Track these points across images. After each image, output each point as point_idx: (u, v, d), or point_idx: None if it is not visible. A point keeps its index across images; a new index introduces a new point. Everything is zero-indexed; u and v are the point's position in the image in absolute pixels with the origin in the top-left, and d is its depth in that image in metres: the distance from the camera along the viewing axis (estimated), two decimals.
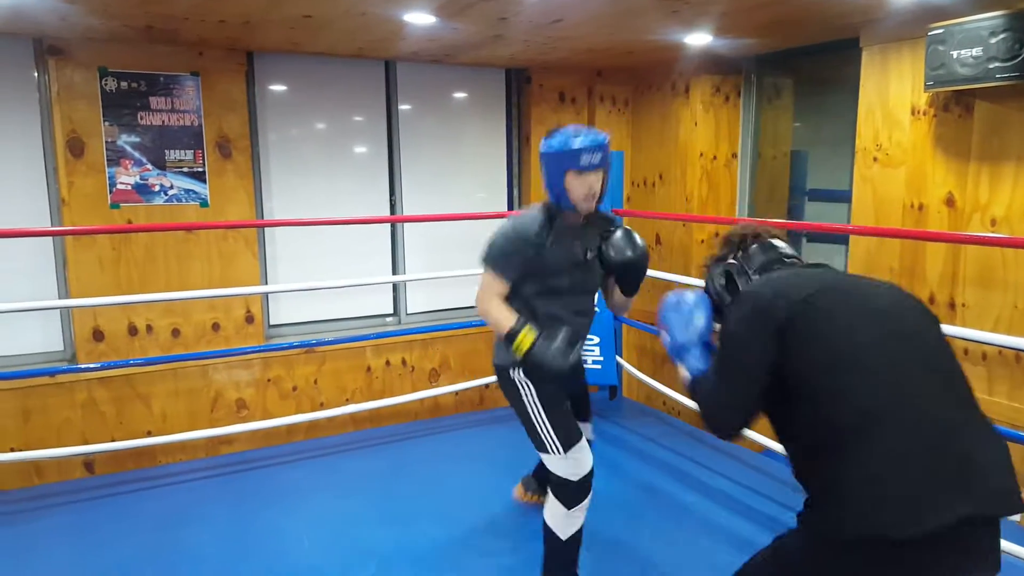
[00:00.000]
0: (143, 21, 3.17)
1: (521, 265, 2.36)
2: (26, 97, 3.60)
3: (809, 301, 1.47)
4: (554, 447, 2.40)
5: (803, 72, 4.46)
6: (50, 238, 3.71)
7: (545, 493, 2.55)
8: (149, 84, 3.67)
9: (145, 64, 3.66)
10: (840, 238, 3.93)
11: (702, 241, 4.50)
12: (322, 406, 4.21)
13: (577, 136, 2.31)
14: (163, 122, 3.73)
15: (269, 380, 4.11)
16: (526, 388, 2.42)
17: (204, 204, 3.88)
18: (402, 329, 4.54)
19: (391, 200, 4.54)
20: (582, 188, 2.32)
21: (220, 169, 3.89)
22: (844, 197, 3.79)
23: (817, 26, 3.46)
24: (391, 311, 4.67)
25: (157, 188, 3.77)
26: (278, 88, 4.17)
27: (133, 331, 3.81)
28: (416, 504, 3.34)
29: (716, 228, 4.44)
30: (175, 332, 3.90)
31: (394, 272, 4.60)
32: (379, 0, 2.92)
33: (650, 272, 4.19)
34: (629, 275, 2.50)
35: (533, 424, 2.43)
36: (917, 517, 1.26)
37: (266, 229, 4.20)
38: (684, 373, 1.78)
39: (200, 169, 3.84)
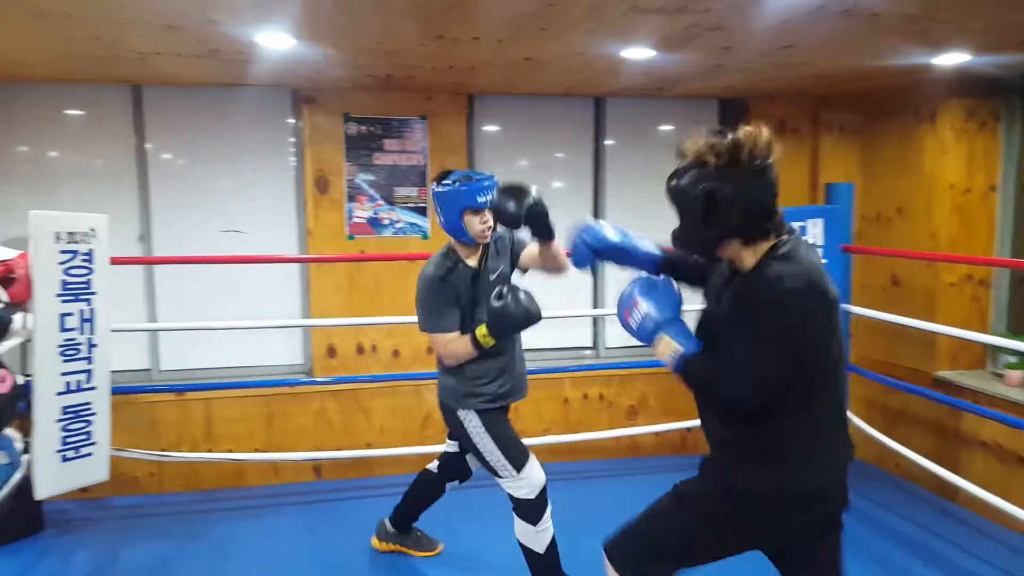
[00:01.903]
0: (385, 71, 3.51)
1: (455, 306, 2.62)
2: (283, 141, 4.14)
3: (833, 302, 1.61)
4: (506, 470, 2.61)
5: None
6: (297, 264, 4.20)
7: (404, 542, 3.13)
8: (384, 128, 4.05)
9: (381, 109, 4.04)
10: None
11: (952, 284, 3.96)
12: (521, 433, 4.25)
13: (468, 180, 2.57)
14: (394, 162, 4.08)
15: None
16: (469, 420, 2.67)
17: (425, 236, 4.16)
18: (601, 363, 4.51)
19: None
20: (479, 225, 2.58)
21: None
22: None
23: None
24: (590, 344, 4.66)
25: (387, 222, 4.12)
26: (493, 128, 4.38)
27: (360, 350, 4.17)
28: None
29: (969, 270, 3.90)
30: (395, 353, 4.21)
31: (595, 306, 4.59)
32: (599, 38, 2.97)
33: (885, 316, 3.82)
34: (531, 222, 2.51)
35: (482, 453, 2.67)
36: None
37: None
38: (670, 349, 1.74)
39: (423, 204, 4.14)
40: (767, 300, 1.54)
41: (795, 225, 1.71)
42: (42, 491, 3.07)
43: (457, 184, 2.58)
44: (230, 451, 3.94)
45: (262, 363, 4.24)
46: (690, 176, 1.60)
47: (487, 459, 2.67)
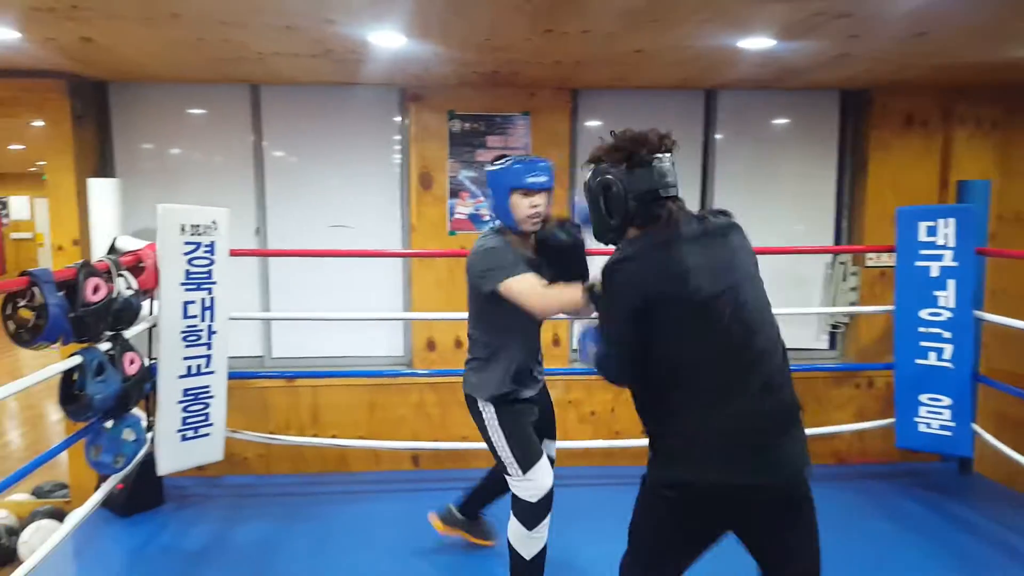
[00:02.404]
0: (491, 67, 3.51)
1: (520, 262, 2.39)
2: (390, 138, 4.23)
3: (676, 293, 1.70)
4: (514, 468, 2.52)
5: None
6: (400, 259, 4.28)
7: (469, 528, 3.00)
8: (487, 124, 4.06)
9: (486, 106, 4.05)
10: None
11: None
12: (617, 434, 4.22)
13: (522, 160, 2.43)
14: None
15: (569, 402, 4.24)
16: (489, 413, 2.58)
17: None
18: None
19: None
20: (526, 208, 2.38)
21: None
22: None
23: None
24: None
25: (487, 218, 4.12)
26: (597, 122, 4.31)
27: (458, 344, 4.21)
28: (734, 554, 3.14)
29: None
30: None
31: None
32: (715, 28, 2.85)
33: (1020, 324, 3.50)
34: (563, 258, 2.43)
35: (495, 447, 2.57)
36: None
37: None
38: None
39: None
40: (602, 280, 1.78)
41: (732, 219, 1.88)
42: (163, 468, 3.26)
43: (510, 163, 2.45)
44: (334, 437, 4.08)
45: (366, 353, 4.36)
46: (592, 173, 1.85)
47: (498, 454, 2.59)
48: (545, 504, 2.52)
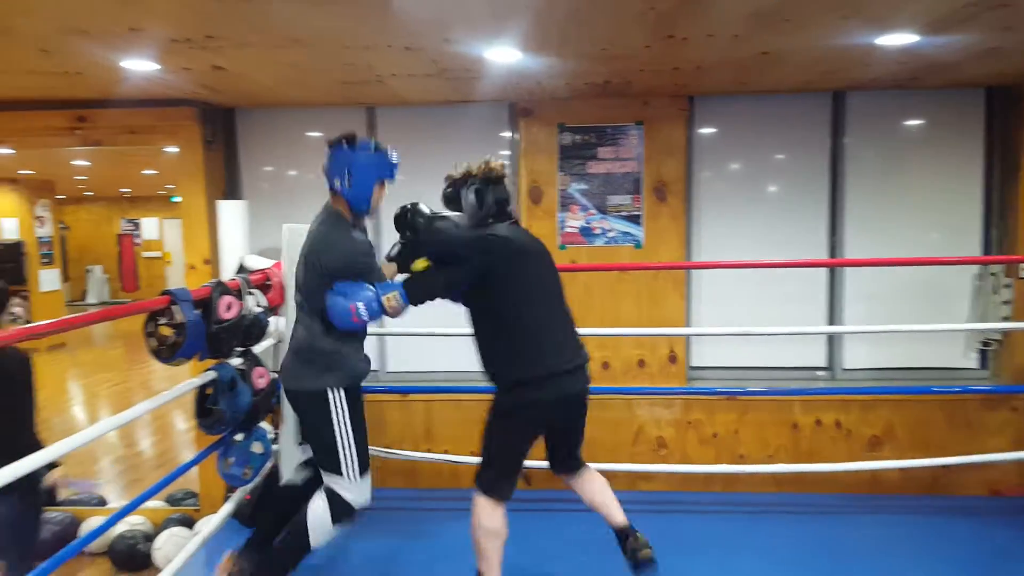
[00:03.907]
0: (603, 77, 3.43)
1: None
2: (500, 153, 4.21)
3: (511, 252, 2.61)
4: (350, 471, 2.50)
5: None
6: None
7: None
8: (598, 136, 3.98)
9: (596, 117, 3.97)
10: None
11: None
12: (742, 458, 4.00)
13: (385, 151, 2.61)
14: (607, 170, 4.00)
15: (689, 423, 4.06)
16: (339, 408, 2.51)
17: (638, 246, 4.03)
18: (837, 387, 4.07)
19: (831, 242, 4.14)
20: (380, 198, 2.63)
21: (655, 212, 4.01)
22: None
23: None
24: (824, 364, 4.24)
25: (598, 231, 4.04)
26: (713, 130, 4.14)
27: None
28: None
29: None
30: (605, 365, 4.12)
31: (830, 322, 4.16)
32: (852, 25, 2.67)
33: None
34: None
35: (335, 444, 2.49)
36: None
37: (692, 271, 4.19)
38: (392, 298, 2.52)
39: (636, 213, 4.01)
40: (472, 241, 2.59)
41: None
42: (287, 479, 3.35)
43: (377, 152, 2.55)
44: (447, 452, 4.07)
45: (478, 369, 4.33)
46: (467, 182, 2.63)
47: (337, 453, 2.48)
48: (357, 512, 2.55)
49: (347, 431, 2.53)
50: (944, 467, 3.79)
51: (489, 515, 2.55)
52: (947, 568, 3.09)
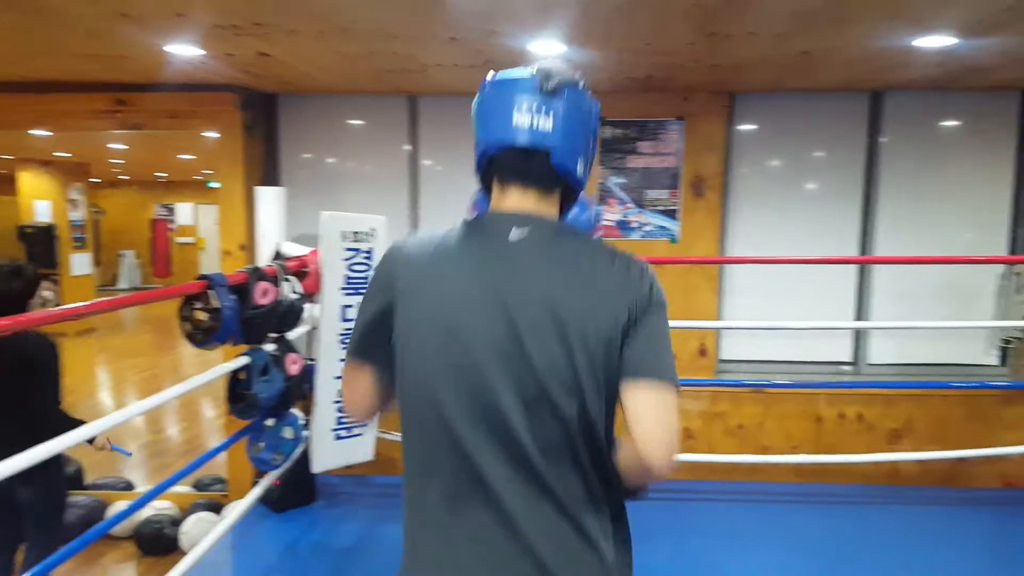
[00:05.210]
0: (645, 71, 3.43)
1: None
2: None
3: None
4: None
5: None
6: None
7: None
8: (639, 130, 3.98)
9: (637, 112, 3.99)
10: None
11: None
12: (766, 449, 4.02)
13: None
14: (646, 164, 4.00)
15: (716, 414, 4.07)
16: None
17: (673, 240, 4.03)
18: (862, 381, 4.14)
19: (862, 240, 4.15)
20: None
21: (692, 207, 4.01)
22: None
23: None
24: (850, 359, 4.28)
25: (635, 224, 4.04)
26: (752, 127, 4.14)
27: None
28: None
29: None
30: None
31: (858, 317, 4.19)
32: (893, 25, 2.65)
33: None
34: None
35: None
36: None
37: (725, 265, 4.18)
38: None
39: (673, 207, 4.00)
40: None
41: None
42: (318, 466, 3.36)
43: None
44: None
45: None
46: None
47: None
48: None
49: None
50: (961, 459, 3.87)
51: None
52: (962, 556, 3.19)
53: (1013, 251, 4.12)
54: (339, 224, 3.28)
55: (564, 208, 1.32)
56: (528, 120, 1.22)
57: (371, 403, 1.32)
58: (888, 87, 3.95)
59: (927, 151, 4.08)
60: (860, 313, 4.18)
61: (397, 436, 3.77)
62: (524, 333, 1.14)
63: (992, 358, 4.22)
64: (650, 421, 1.17)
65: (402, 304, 1.22)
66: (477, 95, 1.29)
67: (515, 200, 1.25)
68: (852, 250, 4.15)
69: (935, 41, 2.90)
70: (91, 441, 3.81)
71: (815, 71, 3.43)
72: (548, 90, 1.23)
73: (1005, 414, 3.97)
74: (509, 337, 1.14)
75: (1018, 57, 3.12)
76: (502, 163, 1.26)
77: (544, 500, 1.16)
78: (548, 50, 3.04)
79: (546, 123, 1.22)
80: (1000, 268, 4.10)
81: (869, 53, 3.10)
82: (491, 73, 1.31)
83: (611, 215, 4.05)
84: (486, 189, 1.33)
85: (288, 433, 3.15)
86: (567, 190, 1.30)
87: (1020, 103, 4.00)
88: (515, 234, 1.21)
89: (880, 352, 4.22)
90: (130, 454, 3.83)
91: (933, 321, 3.95)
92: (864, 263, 4.15)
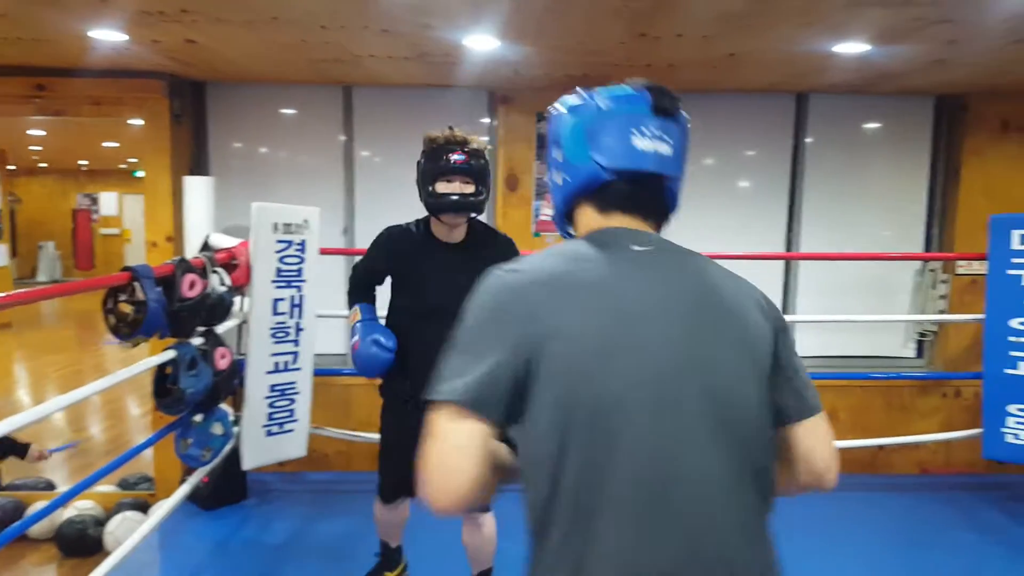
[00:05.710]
0: (581, 70, 3.48)
1: None
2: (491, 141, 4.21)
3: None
4: None
5: None
6: None
7: None
8: None
9: None
10: None
11: None
12: None
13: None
14: None
15: None
16: None
17: None
18: None
19: (788, 236, 4.30)
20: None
21: None
22: None
23: None
24: None
25: None
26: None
27: None
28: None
29: None
30: None
31: (784, 311, 4.30)
32: (812, 32, 2.78)
33: None
34: None
35: None
36: None
37: None
38: None
39: None
40: None
41: None
42: (248, 462, 3.28)
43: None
44: None
45: None
46: None
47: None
48: None
49: None
50: (880, 447, 4.09)
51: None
52: (879, 538, 3.38)
53: (928, 248, 4.32)
54: (270, 215, 3.22)
55: None
56: (650, 145, 1.12)
57: (475, 478, 0.99)
58: (812, 90, 4.10)
59: (849, 152, 4.26)
60: (786, 307, 4.33)
61: (330, 432, 3.77)
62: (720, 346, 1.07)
63: (909, 350, 4.43)
64: (827, 450, 1.17)
65: (565, 343, 1.01)
66: (567, 113, 1.18)
67: (619, 223, 1.17)
68: (779, 246, 4.30)
69: (851, 47, 3.03)
70: (23, 456, 3.66)
71: (742, 72, 3.55)
72: (665, 111, 1.14)
73: (921, 404, 4.19)
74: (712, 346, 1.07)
75: (928, 64, 3.28)
76: (606, 188, 1.15)
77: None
78: (482, 45, 3.06)
79: (665, 148, 1.14)
80: (917, 264, 4.31)
81: (791, 56, 3.21)
82: (580, 90, 1.20)
83: (548, 210, 4.09)
84: (566, 213, 1.23)
85: (217, 429, 3.09)
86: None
87: (934, 108, 4.21)
88: (640, 248, 1.13)
89: (805, 345, 4.38)
90: (76, 443, 3.65)
91: (854, 315, 4.13)
92: (790, 259, 4.31)
